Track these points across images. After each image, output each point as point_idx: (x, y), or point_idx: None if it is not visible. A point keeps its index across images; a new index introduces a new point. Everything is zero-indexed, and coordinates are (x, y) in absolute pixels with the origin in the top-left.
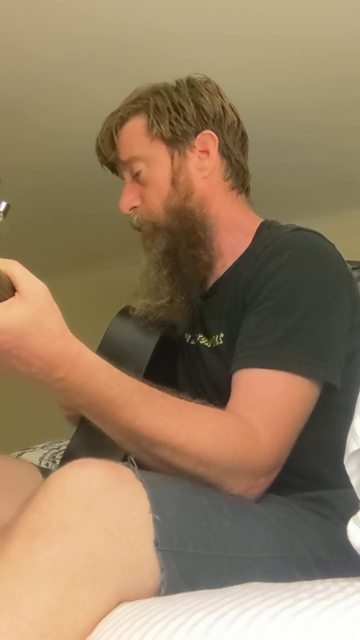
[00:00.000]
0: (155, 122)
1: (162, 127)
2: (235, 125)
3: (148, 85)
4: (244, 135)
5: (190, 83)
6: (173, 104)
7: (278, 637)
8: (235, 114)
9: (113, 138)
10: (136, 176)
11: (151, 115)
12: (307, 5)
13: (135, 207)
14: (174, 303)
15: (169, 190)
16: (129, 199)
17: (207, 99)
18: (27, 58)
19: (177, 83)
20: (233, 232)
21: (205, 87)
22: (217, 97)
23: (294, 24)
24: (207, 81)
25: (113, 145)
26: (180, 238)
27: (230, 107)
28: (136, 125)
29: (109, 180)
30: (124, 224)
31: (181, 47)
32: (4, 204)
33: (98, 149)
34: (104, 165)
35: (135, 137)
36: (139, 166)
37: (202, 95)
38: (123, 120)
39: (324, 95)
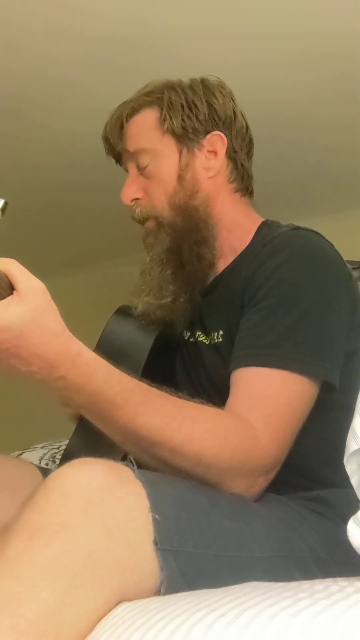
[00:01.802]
0: (168, 117)
1: (175, 122)
2: (244, 130)
3: (162, 80)
4: (250, 142)
5: (205, 83)
6: (187, 101)
7: (278, 636)
8: (244, 120)
9: (122, 127)
10: (142, 169)
11: (164, 109)
12: (306, 3)
13: (137, 199)
14: (177, 302)
15: (175, 187)
16: (131, 191)
17: (220, 101)
18: (28, 55)
19: (192, 82)
20: (234, 232)
21: (219, 90)
22: (230, 101)
23: (294, 21)
24: (221, 85)
25: (121, 135)
26: (185, 236)
27: (241, 113)
28: (147, 118)
29: (110, 178)
30: (124, 223)
31: (183, 44)
32: (1, 202)
33: (105, 138)
34: (108, 155)
35: (145, 129)
36: (146, 160)
37: (215, 96)
38: (134, 111)
39: (323, 91)
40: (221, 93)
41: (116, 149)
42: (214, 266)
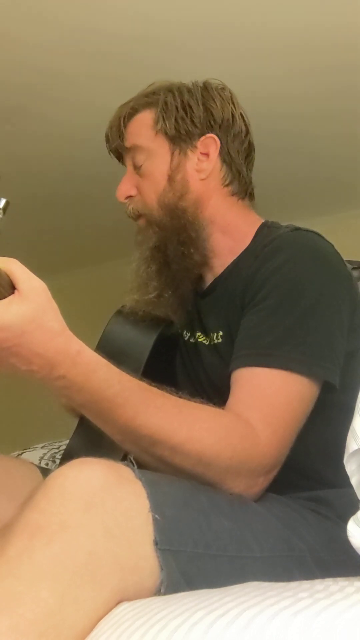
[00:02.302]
0: (161, 118)
1: (167, 123)
2: (242, 135)
3: (165, 82)
4: (250, 146)
5: (205, 87)
6: (182, 103)
7: (278, 636)
8: (245, 124)
9: (121, 126)
10: (138, 168)
11: (159, 110)
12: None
13: (131, 196)
14: (162, 298)
15: (165, 186)
16: (125, 188)
17: (218, 104)
18: (31, 49)
19: (193, 84)
20: (230, 234)
21: (218, 93)
22: (229, 104)
23: (292, 15)
24: (223, 88)
25: (120, 133)
26: (171, 235)
27: (242, 116)
28: (145, 118)
29: (110, 177)
30: (125, 222)
31: (184, 39)
32: (3, 201)
33: (107, 135)
34: (110, 152)
35: (142, 128)
36: (141, 159)
37: (213, 100)
38: (134, 111)
39: (323, 84)
40: (220, 96)
41: (114, 145)
42: (204, 266)
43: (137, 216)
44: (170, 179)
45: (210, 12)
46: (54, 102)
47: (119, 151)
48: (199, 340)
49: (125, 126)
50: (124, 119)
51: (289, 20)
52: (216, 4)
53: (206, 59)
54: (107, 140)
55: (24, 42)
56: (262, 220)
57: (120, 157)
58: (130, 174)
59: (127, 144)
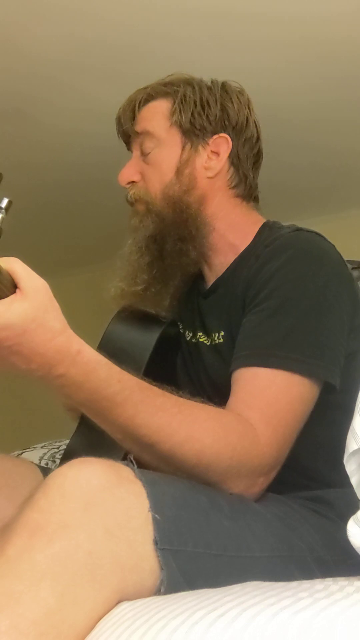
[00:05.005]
0: (178, 110)
1: (183, 116)
2: (253, 140)
3: (184, 75)
4: (259, 153)
5: (224, 87)
6: (201, 99)
7: (278, 636)
8: (257, 130)
9: (135, 109)
10: (145, 155)
11: (177, 102)
12: (306, 8)
13: (133, 182)
14: (148, 292)
15: (172, 178)
16: (129, 173)
17: (235, 106)
18: (31, 58)
19: (212, 82)
20: (232, 232)
21: (237, 95)
22: (245, 108)
23: (293, 26)
24: (241, 92)
25: (133, 116)
26: (170, 228)
27: (255, 123)
28: (161, 106)
29: (111, 177)
30: (125, 222)
31: (182, 50)
32: (5, 201)
33: (117, 118)
34: (119, 136)
35: (156, 115)
36: (150, 146)
37: (231, 100)
38: (150, 97)
39: (323, 93)
40: (238, 99)
41: (125, 127)
42: (204, 264)
43: (135, 201)
44: (178, 171)
45: (210, 27)
46: (52, 108)
47: (128, 134)
48: (200, 340)
49: (138, 110)
50: (139, 103)
51: (290, 10)
52: (217, 19)
53: (205, 72)
54: (118, 122)
55: (27, 52)
56: (264, 220)
57: (128, 141)
58: (135, 160)
59: (138, 128)
